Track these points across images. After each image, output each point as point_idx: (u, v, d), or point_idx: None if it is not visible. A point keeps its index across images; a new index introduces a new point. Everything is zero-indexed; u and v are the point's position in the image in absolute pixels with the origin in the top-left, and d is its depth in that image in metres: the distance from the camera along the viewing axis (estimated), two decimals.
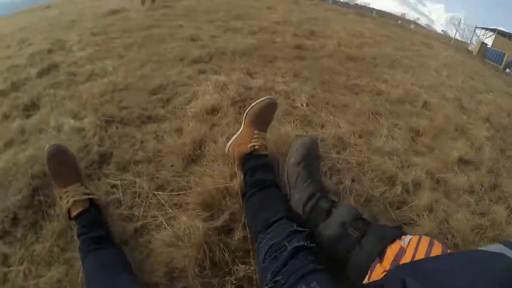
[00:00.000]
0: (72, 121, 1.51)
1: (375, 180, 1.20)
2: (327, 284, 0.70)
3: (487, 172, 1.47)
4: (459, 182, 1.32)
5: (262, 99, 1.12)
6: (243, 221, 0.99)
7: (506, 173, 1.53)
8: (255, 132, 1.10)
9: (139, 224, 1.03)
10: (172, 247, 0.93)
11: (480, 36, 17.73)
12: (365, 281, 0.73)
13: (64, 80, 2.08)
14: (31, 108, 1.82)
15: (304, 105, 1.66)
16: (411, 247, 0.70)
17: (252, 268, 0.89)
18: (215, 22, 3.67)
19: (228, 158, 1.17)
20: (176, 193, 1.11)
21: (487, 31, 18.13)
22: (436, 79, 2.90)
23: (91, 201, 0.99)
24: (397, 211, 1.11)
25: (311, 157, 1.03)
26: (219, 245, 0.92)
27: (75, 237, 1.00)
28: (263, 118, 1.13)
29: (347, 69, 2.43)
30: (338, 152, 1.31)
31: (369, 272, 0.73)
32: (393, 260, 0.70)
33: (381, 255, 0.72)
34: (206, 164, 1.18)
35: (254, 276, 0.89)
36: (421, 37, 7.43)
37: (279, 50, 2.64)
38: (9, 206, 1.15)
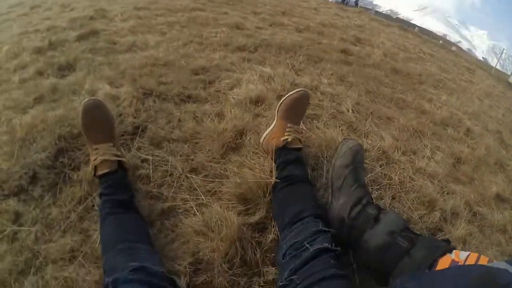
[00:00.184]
0: (108, 88, 1.50)
1: (415, 201, 1.16)
2: None
3: None
4: (494, 219, 1.28)
5: (294, 91, 1.09)
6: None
7: None
8: (288, 125, 1.08)
9: (167, 205, 1.00)
10: (200, 236, 0.89)
11: None
12: None
13: (103, 47, 2.11)
14: (66, 68, 1.85)
15: (350, 111, 1.63)
16: (469, 263, 0.69)
17: None
18: (260, 15, 3.71)
19: (263, 151, 1.16)
20: (211, 179, 1.06)
21: None
22: (479, 107, 2.86)
23: (119, 163, 0.98)
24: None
25: (358, 161, 1.01)
26: (252, 242, 0.88)
27: (97, 197, 0.99)
28: (295, 111, 1.11)
29: (392, 81, 2.41)
30: (381, 166, 1.27)
31: None
32: None
33: (431, 267, 0.71)
34: (246, 155, 1.14)
35: (275, 285, 0.84)
36: (463, 61, 7.39)
37: (325, 51, 2.63)
38: (30, 163, 1.14)
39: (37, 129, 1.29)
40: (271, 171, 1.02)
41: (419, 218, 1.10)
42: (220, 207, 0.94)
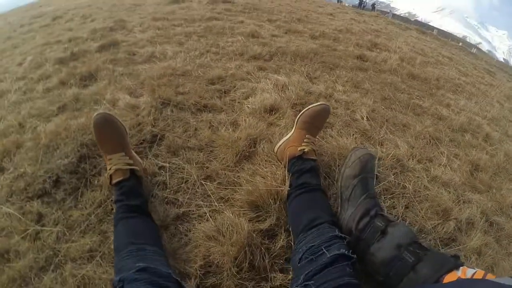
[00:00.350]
0: (128, 98, 1.64)
1: (429, 211, 1.18)
2: None
3: None
4: (511, 229, 1.28)
5: (316, 104, 1.17)
6: (288, 228, 1.01)
7: None
8: (306, 136, 1.15)
9: (181, 210, 1.08)
10: (212, 241, 0.96)
11: None
12: None
13: (123, 57, 2.29)
14: (88, 79, 2.03)
15: (365, 118, 1.68)
16: None
17: (289, 278, 0.90)
18: (276, 22, 3.87)
19: (276, 159, 1.23)
20: (224, 186, 1.15)
21: None
22: (499, 111, 2.82)
23: (132, 171, 1.08)
24: (447, 248, 1.09)
25: (368, 171, 1.05)
26: (261, 248, 0.94)
27: (113, 204, 1.09)
28: (315, 123, 1.18)
29: (409, 87, 2.45)
30: (395, 174, 1.30)
31: None
32: None
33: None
34: (259, 163, 1.22)
35: None
36: (484, 64, 7.32)
37: (340, 58, 2.71)
38: (54, 168, 1.27)
39: (61, 136, 1.43)
40: (283, 180, 1.09)
41: (432, 228, 1.12)
42: (232, 214, 1.02)
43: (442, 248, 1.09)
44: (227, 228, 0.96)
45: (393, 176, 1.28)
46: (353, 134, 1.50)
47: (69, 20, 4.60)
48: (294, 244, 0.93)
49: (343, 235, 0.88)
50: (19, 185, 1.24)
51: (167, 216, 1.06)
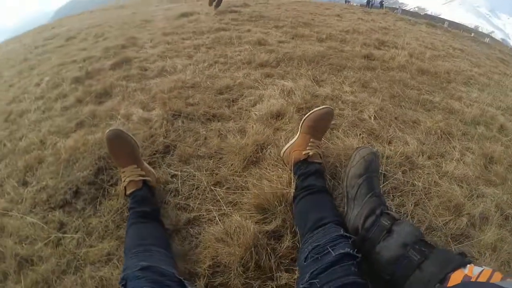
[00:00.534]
0: (141, 112, 1.81)
1: (440, 207, 1.22)
2: None
3: None
4: None
5: (319, 107, 1.26)
6: (293, 229, 1.09)
7: None
8: (311, 140, 1.23)
9: (192, 215, 1.20)
10: (220, 242, 1.06)
11: None
12: None
13: (135, 73, 2.48)
14: (103, 95, 2.22)
15: (372, 118, 1.75)
16: (482, 279, 0.73)
17: (295, 277, 0.97)
18: (282, 28, 4.02)
19: (282, 163, 1.32)
20: (232, 191, 1.26)
21: None
22: None
23: (144, 181, 1.21)
24: (458, 245, 1.12)
25: (372, 170, 1.11)
26: (267, 249, 1.03)
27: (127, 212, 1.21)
28: (319, 126, 1.26)
29: (419, 83, 2.50)
30: (404, 172, 1.36)
31: None
32: None
33: (442, 282, 0.76)
34: (266, 168, 1.32)
35: (296, 287, 0.96)
36: (497, 52, 7.18)
37: (348, 59, 2.81)
38: (73, 180, 1.43)
39: (79, 151, 1.60)
40: (289, 182, 1.19)
41: (443, 224, 1.16)
42: (240, 217, 1.12)
43: (454, 245, 1.12)
44: (234, 230, 1.06)
45: (401, 174, 1.34)
46: (360, 134, 1.58)
47: (83, 40, 4.92)
48: (300, 244, 1.01)
49: (348, 235, 0.93)
50: (42, 197, 1.40)
51: (179, 221, 1.18)
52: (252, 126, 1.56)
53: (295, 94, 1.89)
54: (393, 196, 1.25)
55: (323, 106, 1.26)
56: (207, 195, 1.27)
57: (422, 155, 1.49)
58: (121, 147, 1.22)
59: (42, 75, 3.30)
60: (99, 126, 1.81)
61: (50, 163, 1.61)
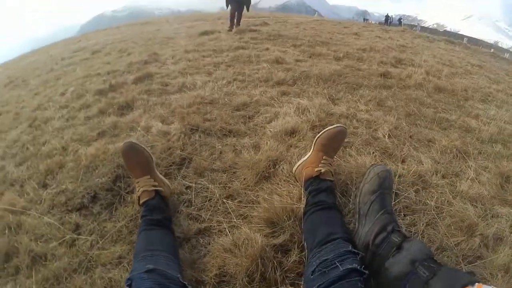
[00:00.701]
0: (160, 125, 1.92)
1: (452, 227, 1.22)
2: None
3: None
4: None
5: (333, 126, 1.32)
6: (301, 244, 1.12)
7: None
8: (323, 157, 1.28)
9: (203, 225, 1.26)
10: (228, 253, 1.11)
11: None
12: None
13: (157, 88, 2.64)
14: (125, 108, 2.36)
15: (386, 136, 1.78)
16: None
17: None
18: (300, 47, 4.19)
19: (294, 179, 1.37)
20: (244, 204, 1.31)
21: None
22: None
23: (156, 191, 1.28)
24: (469, 265, 1.11)
25: (386, 187, 1.13)
26: (273, 262, 1.06)
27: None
28: (332, 145, 1.32)
29: (435, 101, 2.52)
30: (416, 191, 1.37)
31: None
32: None
33: None
34: (277, 183, 1.38)
35: None
36: None
37: (364, 77, 2.88)
38: (92, 185, 1.52)
39: (99, 158, 1.71)
40: (299, 198, 1.24)
41: (455, 245, 1.16)
42: (249, 229, 1.16)
43: (465, 265, 1.11)
44: (243, 242, 1.10)
45: (414, 193, 1.35)
46: (373, 153, 1.61)
47: (107, 54, 5.21)
48: (307, 259, 1.04)
49: (356, 251, 0.96)
50: (60, 200, 1.50)
51: (190, 230, 1.24)
52: (266, 142, 1.63)
53: (310, 112, 1.96)
54: (404, 215, 1.27)
55: (337, 125, 1.31)
56: (219, 207, 1.32)
57: (436, 174, 1.50)
58: (135, 159, 1.31)
59: (67, 86, 3.53)
60: (120, 137, 1.93)
61: (71, 168, 1.72)
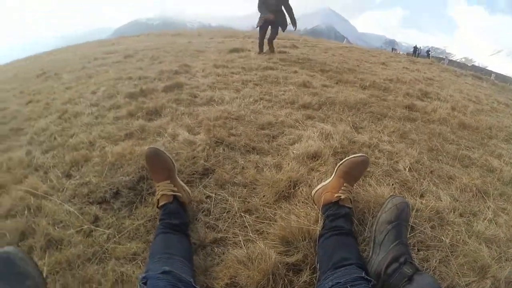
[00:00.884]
0: (186, 134, 2.02)
1: (465, 267, 1.23)
2: None
3: None
4: None
5: (357, 155, 1.38)
6: (313, 266, 1.16)
7: None
8: (344, 184, 1.34)
9: (219, 235, 1.31)
10: (241, 265, 1.16)
11: None
12: None
13: (185, 98, 2.77)
14: (153, 113, 2.49)
15: (407, 169, 1.81)
16: None
17: None
18: (328, 72, 4.29)
19: (312, 201, 1.43)
20: (260, 220, 1.37)
21: None
22: None
23: (175, 196, 1.36)
24: None
25: (403, 218, 1.18)
26: (284, 279, 1.11)
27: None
28: (353, 173, 1.37)
29: (458, 137, 2.53)
30: (432, 227, 1.39)
31: None
32: None
33: None
34: (296, 204, 1.43)
35: None
36: None
37: (389, 108, 2.93)
38: (115, 182, 1.62)
39: (125, 158, 1.81)
40: (316, 221, 1.29)
41: (466, 285, 1.17)
42: (264, 245, 1.21)
43: None
44: (256, 256, 1.15)
45: (429, 228, 1.37)
46: (392, 184, 1.65)
47: (139, 60, 5.45)
48: (319, 281, 1.08)
49: (369, 278, 1.00)
50: (83, 191, 1.60)
51: (206, 238, 1.30)
52: (288, 163, 1.70)
53: (333, 138, 2.02)
54: (418, 249, 1.28)
55: (361, 154, 1.38)
56: (236, 220, 1.38)
57: (454, 212, 1.52)
58: (157, 163, 1.40)
59: (99, 85, 3.71)
60: (147, 140, 2.04)
61: (96, 163, 1.82)
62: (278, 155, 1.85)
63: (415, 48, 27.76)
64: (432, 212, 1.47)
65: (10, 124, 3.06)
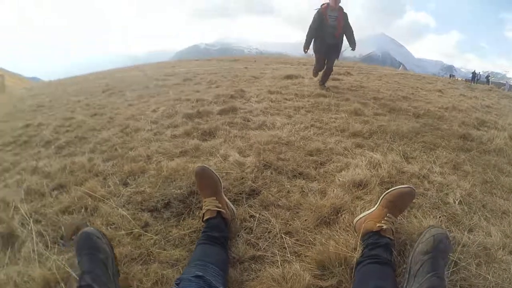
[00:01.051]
0: (237, 155, 2.18)
1: None
2: None
3: None
4: None
5: (403, 186, 1.40)
6: None
7: None
8: (387, 214, 1.35)
9: (258, 253, 1.40)
10: (275, 282, 1.22)
11: None
12: None
13: (239, 122, 2.98)
14: (208, 134, 2.71)
15: (457, 202, 1.75)
16: None
17: None
18: (381, 100, 4.28)
19: (353, 229, 1.46)
20: (300, 243, 1.43)
21: None
22: None
23: (219, 212, 1.48)
24: None
25: (440, 250, 1.15)
26: None
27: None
28: (398, 204, 1.38)
29: None
30: (478, 264, 1.33)
31: None
32: None
33: None
34: (336, 230, 1.47)
35: None
36: None
37: (443, 137, 2.84)
38: (168, 194, 1.79)
39: (179, 173, 1.99)
40: (354, 248, 1.32)
41: None
42: (300, 267, 1.27)
43: None
44: (291, 276, 1.22)
45: (474, 265, 1.32)
46: (439, 217, 1.61)
47: (197, 83, 5.87)
48: None
49: None
50: (137, 198, 1.79)
51: (245, 254, 1.39)
52: (333, 190, 1.75)
53: (381, 167, 2.03)
54: (460, 286, 1.24)
55: (407, 186, 1.39)
56: (276, 240, 1.46)
57: (503, 249, 1.44)
58: (205, 181, 1.55)
59: (159, 104, 4.07)
60: (200, 158, 2.23)
61: (151, 175, 2.03)
62: (324, 181, 1.92)
63: (474, 73, 26.25)
64: (480, 248, 1.41)
65: (75, 132, 3.49)
